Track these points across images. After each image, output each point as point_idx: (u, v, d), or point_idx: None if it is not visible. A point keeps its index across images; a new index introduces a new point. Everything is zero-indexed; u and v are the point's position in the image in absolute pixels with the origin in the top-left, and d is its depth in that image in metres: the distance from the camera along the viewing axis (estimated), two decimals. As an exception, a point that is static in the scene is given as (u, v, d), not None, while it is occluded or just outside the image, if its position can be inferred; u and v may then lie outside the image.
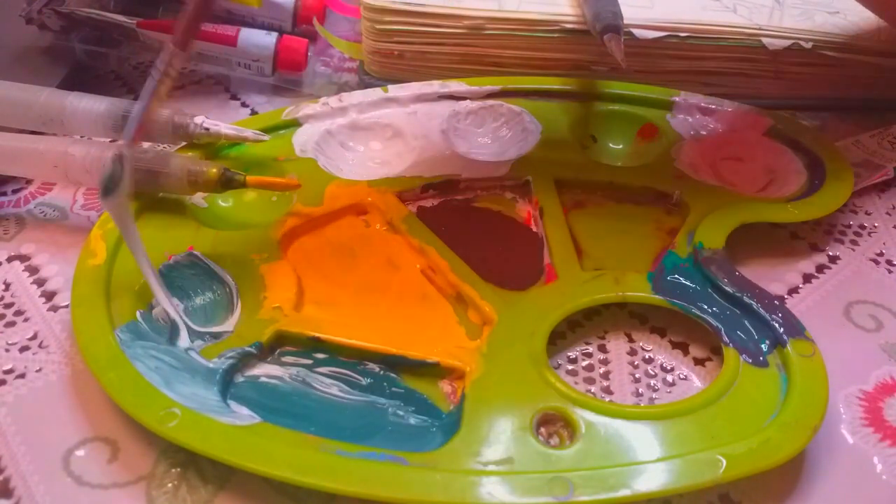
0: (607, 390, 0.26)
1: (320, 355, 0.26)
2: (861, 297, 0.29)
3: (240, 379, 0.25)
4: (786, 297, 0.29)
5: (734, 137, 0.34)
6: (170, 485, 0.23)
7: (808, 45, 0.36)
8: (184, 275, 0.28)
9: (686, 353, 0.27)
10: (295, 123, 0.34)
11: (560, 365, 0.26)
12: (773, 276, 0.29)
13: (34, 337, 0.27)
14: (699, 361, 0.27)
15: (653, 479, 0.21)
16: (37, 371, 0.26)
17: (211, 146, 0.32)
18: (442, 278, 0.28)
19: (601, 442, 0.23)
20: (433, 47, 0.37)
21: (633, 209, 0.32)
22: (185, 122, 0.31)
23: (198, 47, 0.38)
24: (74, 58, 0.38)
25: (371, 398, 0.25)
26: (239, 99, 0.39)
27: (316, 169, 0.32)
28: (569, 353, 0.27)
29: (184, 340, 0.25)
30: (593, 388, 0.26)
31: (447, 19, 0.37)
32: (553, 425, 0.24)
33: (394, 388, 0.25)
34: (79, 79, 0.38)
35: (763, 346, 0.25)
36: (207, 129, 0.31)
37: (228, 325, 0.27)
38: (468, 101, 0.36)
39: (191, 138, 0.32)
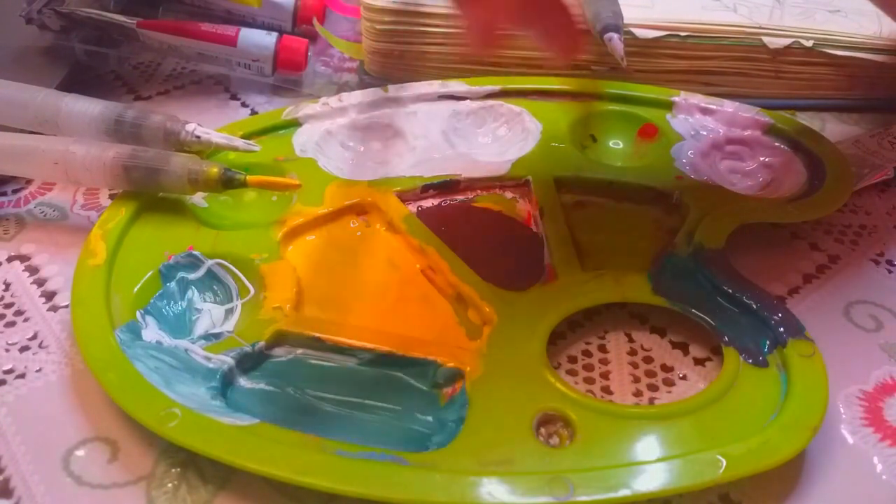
0: (607, 390, 0.26)
1: (320, 355, 0.26)
2: (861, 297, 0.29)
3: (240, 379, 0.25)
4: (786, 297, 0.29)
5: (734, 137, 0.34)
6: (170, 485, 0.23)
7: (809, 44, 0.36)
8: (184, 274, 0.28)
9: (686, 353, 0.27)
10: (295, 123, 0.34)
11: (560, 365, 0.26)
12: (773, 276, 0.29)
13: (34, 337, 0.27)
14: (699, 361, 0.27)
15: (653, 479, 0.21)
16: (37, 371, 0.26)
17: (211, 145, 0.32)
18: (442, 278, 0.28)
19: (601, 442, 0.23)
20: (433, 47, 0.37)
21: (633, 209, 0.32)
22: (177, 129, 0.31)
23: (198, 47, 0.38)
24: (74, 58, 0.38)
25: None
26: (239, 99, 0.39)
27: (316, 169, 0.32)
28: (569, 353, 0.27)
29: None
30: (593, 388, 0.26)
31: (447, 19, 0.37)
32: (553, 425, 0.24)
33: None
34: (79, 79, 0.38)
35: (763, 346, 0.25)
36: (199, 136, 0.31)
37: (228, 325, 0.27)
38: (468, 101, 0.36)
39: (182, 146, 0.31)
